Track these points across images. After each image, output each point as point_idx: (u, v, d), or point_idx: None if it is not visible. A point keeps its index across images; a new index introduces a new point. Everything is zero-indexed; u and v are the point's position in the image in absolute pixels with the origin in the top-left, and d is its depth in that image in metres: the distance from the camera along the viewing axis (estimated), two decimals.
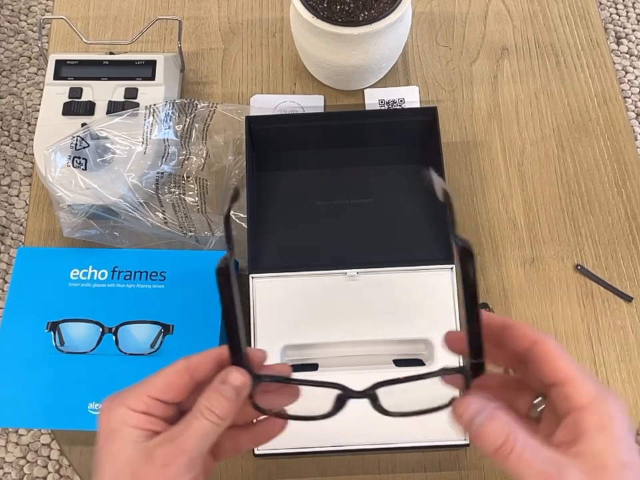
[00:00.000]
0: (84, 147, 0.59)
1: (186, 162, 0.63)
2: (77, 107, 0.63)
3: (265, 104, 0.70)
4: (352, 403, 0.51)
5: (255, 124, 0.63)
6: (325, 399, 0.35)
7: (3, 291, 1.31)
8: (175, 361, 0.36)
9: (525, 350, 0.34)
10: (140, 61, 0.66)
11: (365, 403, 0.56)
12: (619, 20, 1.55)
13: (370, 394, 0.34)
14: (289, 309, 0.57)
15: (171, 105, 0.63)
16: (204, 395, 0.34)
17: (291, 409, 0.37)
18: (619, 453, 0.29)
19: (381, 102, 0.70)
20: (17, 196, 1.39)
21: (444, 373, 0.35)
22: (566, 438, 0.31)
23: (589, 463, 0.29)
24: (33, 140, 0.92)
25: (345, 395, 0.35)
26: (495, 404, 0.32)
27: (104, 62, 0.66)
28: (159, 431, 0.34)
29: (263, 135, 0.64)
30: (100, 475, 0.33)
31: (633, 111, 1.45)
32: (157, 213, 0.60)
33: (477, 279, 0.32)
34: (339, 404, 0.35)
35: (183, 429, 0.33)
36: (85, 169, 0.58)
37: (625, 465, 0.29)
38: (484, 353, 0.32)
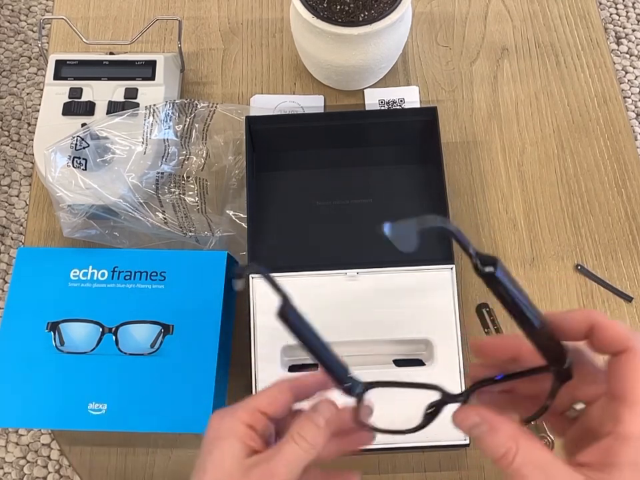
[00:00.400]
0: (84, 147, 0.59)
1: (186, 162, 0.63)
2: (76, 107, 0.63)
3: (265, 104, 0.70)
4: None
5: (255, 124, 0.63)
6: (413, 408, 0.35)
7: (3, 291, 1.31)
8: (280, 379, 0.39)
9: (609, 354, 0.31)
10: (140, 61, 0.66)
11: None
12: (618, 20, 1.55)
13: (465, 395, 0.34)
14: None
15: (171, 105, 0.63)
16: (297, 421, 0.36)
17: (383, 423, 0.37)
18: None
19: (381, 102, 0.70)
20: (17, 196, 1.39)
21: (531, 373, 0.33)
22: (593, 460, 0.29)
23: None
24: (32, 140, 0.93)
25: (441, 401, 0.34)
26: (497, 416, 0.31)
27: (104, 62, 0.66)
28: (258, 450, 0.36)
29: (263, 134, 0.64)
30: (202, 476, 0.36)
31: (633, 111, 1.45)
32: (157, 213, 0.60)
33: (511, 291, 0.31)
34: (435, 411, 0.34)
35: (275, 452, 0.35)
36: (85, 169, 0.58)
37: None
38: (565, 358, 0.31)
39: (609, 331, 0.30)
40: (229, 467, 0.35)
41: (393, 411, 0.39)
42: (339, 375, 0.35)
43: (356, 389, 0.35)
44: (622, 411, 0.29)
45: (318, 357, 0.34)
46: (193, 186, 0.62)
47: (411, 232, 0.31)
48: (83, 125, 0.61)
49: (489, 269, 0.29)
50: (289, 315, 0.33)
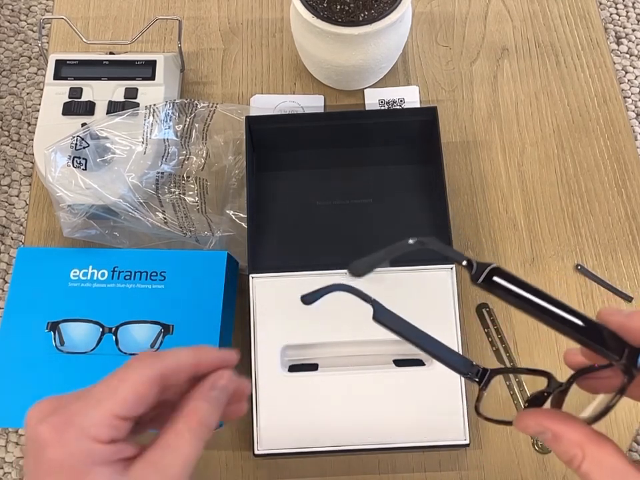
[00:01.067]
0: (84, 147, 0.59)
1: (186, 162, 0.63)
2: (76, 107, 0.63)
3: (265, 104, 0.70)
4: (353, 402, 0.51)
5: (254, 124, 0.63)
6: None
7: (3, 291, 1.31)
8: (134, 364, 0.31)
9: None
10: (140, 61, 0.66)
11: (364, 402, 0.56)
12: (618, 20, 1.55)
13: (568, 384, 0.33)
14: (289, 309, 0.57)
15: (171, 104, 0.63)
16: (185, 410, 0.31)
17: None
18: None
19: (381, 102, 0.70)
20: (17, 196, 1.39)
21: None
22: None
23: None
24: (32, 140, 0.92)
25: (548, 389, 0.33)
26: (560, 423, 0.31)
27: (104, 62, 0.66)
28: (132, 457, 0.29)
29: (263, 134, 0.64)
30: None
31: (633, 111, 1.45)
32: (157, 213, 0.60)
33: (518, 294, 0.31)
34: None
35: (165, 452, 0.29)
36: (85, 169, 0.58)
37: None
38: (625, 350, 0.29)
39: None
40: None
41: None
42: (459, 366, 0.34)
43: (483, 376, 0.34)
44: None
45: (430, 352, 0.33)
46: (193, 186, 0.62)
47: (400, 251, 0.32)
48: (83, 124, 0.61)
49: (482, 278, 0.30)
50: (382, 318, 0.33)
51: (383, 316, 0.33)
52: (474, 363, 0.34)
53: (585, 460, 0.29)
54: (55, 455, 0.28)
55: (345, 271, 0.58)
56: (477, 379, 0.34)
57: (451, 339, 0.55)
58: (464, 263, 0.30)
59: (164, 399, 0.33)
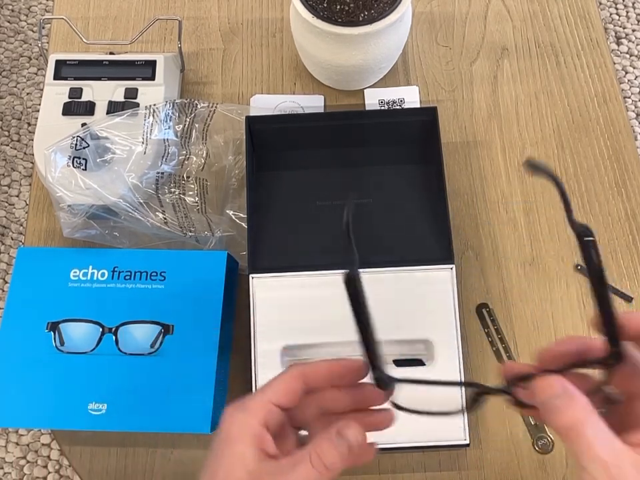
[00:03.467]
0: (84, 147, 0.59)
1: (186, 162, 0.63)
2: (76, 106, 0.63)
3: (265, 104, 0.70)
4: None
5: (254, 124, 0.63)
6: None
7: (3, 291, 1.31)
8: (289, 368, 0.38)
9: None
10: (140, 61, 0.66)
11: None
12: (618, 20, 1.55)
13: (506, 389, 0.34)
14: (289, 309, 0.57)
15: (171, 105, 0.63)
16: (317, 441, 0.34)
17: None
18: None
19: (381, 102, 0.70)
20: (17, 196, 1.39)
21: (574, 367, 0.33)
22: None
23: None
24: (32, 140, 0.93)
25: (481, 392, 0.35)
26: (572, 388, 0.32)
27: (104, 62, 0.66)
28: (271, 454, 0.35)
29: (263, 134, 0.64)
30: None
31: (633, 111, 1.45)
32: (157, 213, 0.60)
33: (601, 263, 0.33)
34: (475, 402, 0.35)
35: (290, 468, 0.33)
36: (85, 169, 0.58)
37: None
38: (619, 341, 0.31)
39: None
40: (240, 475, 0.34)
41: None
42: (377, 363, 0.35)
43: (387, 383, 0.36)
44: None
45: (366, 338, 0.36)
46: (193, 186, 0.62)
47: None
48: (83, 125, 0.61)
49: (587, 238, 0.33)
50: (354, 285, 0.36)
51: (355, 283, 0.34)
52: (388, 377, 0.36)
53: (589, 425, 0.30)
54: (225, 425, 0.35)
55: (345, 271, 0.58)
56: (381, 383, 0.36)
57: (451, 339, 0.55)
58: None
59: (321, 405, 0.38)
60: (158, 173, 0.61)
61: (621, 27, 1.54)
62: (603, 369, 0.33)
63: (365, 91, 0.71)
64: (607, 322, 0.32)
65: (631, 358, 0.32)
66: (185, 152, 0.63)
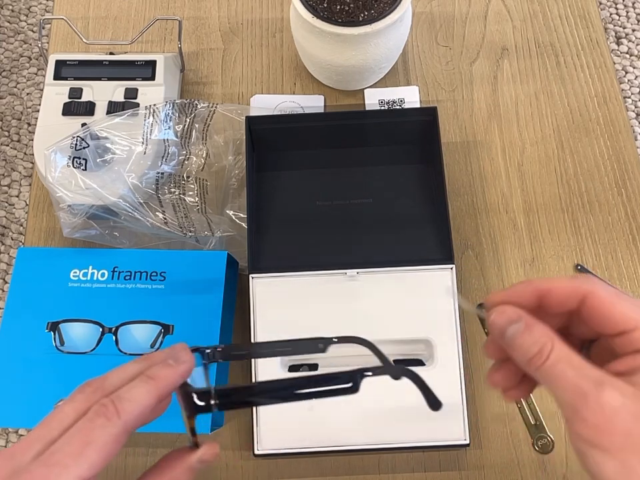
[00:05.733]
0: (84, 147, 0.59)
1: (186, 162, 0.63)
2: (77, 107, 0.63)
3: (265, 104, 0.70)
4: (353, 402, 0.51)
5: (254, 124, 0.63)
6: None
7: (3, 291, 1.31)
8: (97, 422, 0.30)
9: (574, 309, 0.31)
10: (140, 61, 0.66)
11: (364, 401, 0.56)
12: (618, 20, 1.55)
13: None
14: (289, 309, 0.57)
15: (171, 105, 0.63)
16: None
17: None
18: None
19: (381, 102, 0.70)
20: (17, 196, 1.39)
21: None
22: (622, 369, 0.29)
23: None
24: (32, 140, 0.93)
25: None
26: (532, 317, 0.31)
27: (104, 62, 0.66)
28: None
29: (263, 134, 0.64)
30: None
31: (633, 111, 1.45)
32: (157, 213, 0.60)
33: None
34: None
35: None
36: (85, 169, 0.58)
37: None
38: None
39: (558, 291, 0.31)
40: None
41: None
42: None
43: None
44: (629, 337, 0.29)
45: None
46: (192, 186, 0.62)
47: None
48: (83, 125, 0.61)
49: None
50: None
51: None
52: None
53: (553, 350, 0.29)
54: None
55: (345, 271, 0.58)
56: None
57: (451, 339, 0.55)
58: None
59: None
60: (158, 173, 0.61)
61: (621, 26, 1.54)
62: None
63: (365, 91, 0.71)
64: None
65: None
66: (184, 152, 0.63)
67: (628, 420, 0.27)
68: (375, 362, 0.38)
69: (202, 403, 0.33)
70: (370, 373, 0.34)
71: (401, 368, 0.35)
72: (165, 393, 0.33)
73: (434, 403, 0.36)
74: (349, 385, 0.34)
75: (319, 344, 0.36)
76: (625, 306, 0.30)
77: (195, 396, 0.33)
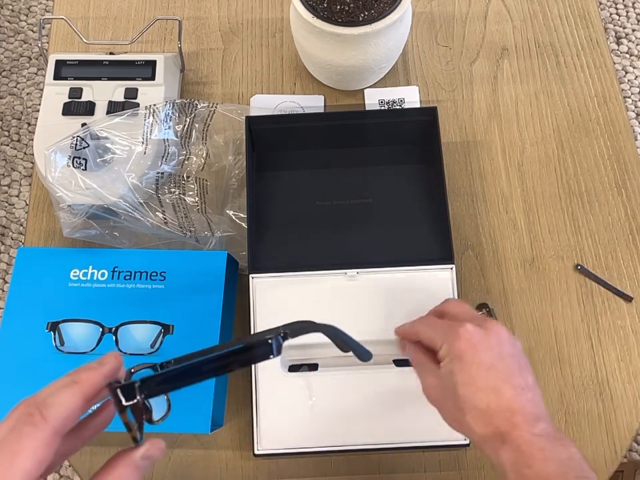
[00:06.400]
0: (84, 147, 0.59)
1: (186, 162, 0.63)
2: (77, 107, 0.63)
3: (265, 104, 0.70)
4: (353, 402, 0.51)
5: (254, 124, 0.63)
6: None
7: (3, 291, 1.31)
8: (23, 430, 0.31)
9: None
10: (140, 61, 0.66)
11: (364, 402, 0.56)
12: (618, 20, 1.55)
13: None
14: (289, 309, 0.57)
15: (171, 105, 0.63)
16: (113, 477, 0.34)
17: None
18: (452, 366, 0.44)
19: (381, 102, 0.70)
20: (17, 196, 1.39)
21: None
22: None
23: (440, 373, 0.45)
24: (32, 140, 0.93)
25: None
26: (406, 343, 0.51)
27: (104, 62, 0.66)
28: None
29: (263, 134, 0.64)
30: None
31: (633, 111, 1.45)
32: (157, 213, 0.60)
33: None
34: None
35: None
36: (85, 169, 0.58)
37: (453, 372, 0.43)
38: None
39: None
40: None
41: None
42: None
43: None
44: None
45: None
46: (192, 186, 0.62)
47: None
48: (83, 125, 0.61)
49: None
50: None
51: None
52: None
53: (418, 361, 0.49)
54: None
55: (345, 271, 0.58)
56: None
57: None
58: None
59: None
60: (158, 172, 0.61)
61: (621, 26, 1.54)
62: None
63: (365, 91, 0.71)
64: None
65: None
66: (184, 152, 0.63)
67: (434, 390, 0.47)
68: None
69: (127, 396, 0.35)
70: (287, 331, 0.37)
71: (322, 324, 0.40)
72: (90, 393, 0.34)
73: (363, 353, 0.45)
74: (261, 349, 0.36)
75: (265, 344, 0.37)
76: (426, 333, 0.48)
77: (119, 391, 0.35)
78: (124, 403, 0.35)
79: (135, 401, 0.34)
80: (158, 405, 0.36)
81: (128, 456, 0.35)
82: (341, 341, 0.43)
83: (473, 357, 0.43)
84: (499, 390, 0.41)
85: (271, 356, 0.36)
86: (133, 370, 0.39)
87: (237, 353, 0.36)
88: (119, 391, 0.35)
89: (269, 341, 0.36)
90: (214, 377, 0.36)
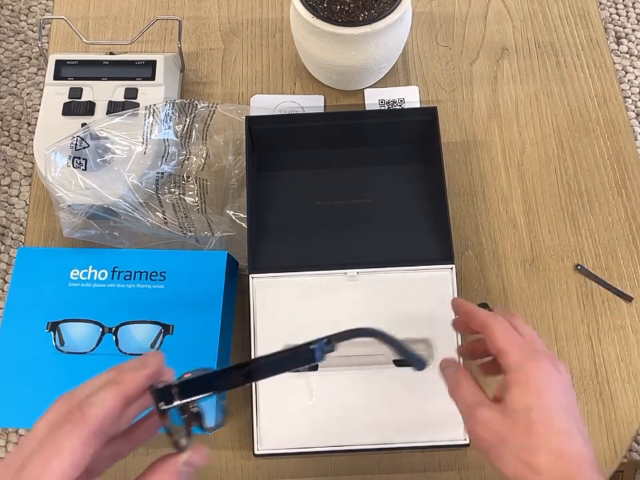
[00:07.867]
0: (84, 147, 0.59)
1: (186, 162, 0.63)
2: (76, 107, 0.63)
3: (265, 104, 0.70)
4: (353, 402, 0.51)
5: (254, 124, 0.63)
6: None
7: (3, 291, 1.31)
8: (62, 430, 0.31)
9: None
10: (140, 61, 0.66)
11: (364, 402, 0.56)
12: (618, 20, 1.55)
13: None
14: (289, 309, 0.57)
15: (171, 105, 0.63)
16: None
17: None
18: (528, 400, 0.39)
19: (381, 102, 0.70)
20: (17, 196, 1.39)
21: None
22: (500, 394, 0.41)
23: (506, 406, 0.40)
24: (32, 140, 0.93)
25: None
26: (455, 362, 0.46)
27: (104, 62, 0.66)
28: None
29: (263, 134, 0.64)
30: None
31: (633, 111, 1.45)
32: (157, 213, 0.60)
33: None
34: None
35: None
36: (85, 169, 0.58)
37: (531, 408, 0.39)
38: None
39: (470, 317, 0.45)
40: None
41: None
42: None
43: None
44: (501, 360, 0.42)
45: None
46: (192, 186, 0.62)
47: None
48: (83, 125, 0.61)
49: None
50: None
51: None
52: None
53: (462, 388, 0.44)
54: None
55: (345, 271, 0.58)
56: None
57: (451, 339, 0.55)
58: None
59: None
60: (158, 172, 0.61)
61: (621, 26, 1.54)
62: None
63: (365, 91, 0.71)
64: None
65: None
66: (184, 152, 0.63)
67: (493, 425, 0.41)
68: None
69: (166, 398, 0.34)
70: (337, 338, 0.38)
71: (372, 329, 0.40)
72: (130, 395, 0.34)
73: (418, 362, 0.42)
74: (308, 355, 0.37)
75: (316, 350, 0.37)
76: (504, 337, 0.42)
77: (158, 393, 0.34)
78: (162, 406, 0.34)
79: (175, 404, 0.34)
80: (209, 412, 0.36)
81: (170, 461, 0.34)
82: (398, 348, 0.42)
83: (552, 396, 0.40)
84: (573, 435, 0.40)
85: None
86: (185, 376, 0.37)
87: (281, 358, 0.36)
88: (158, 393, 0.34)
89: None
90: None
